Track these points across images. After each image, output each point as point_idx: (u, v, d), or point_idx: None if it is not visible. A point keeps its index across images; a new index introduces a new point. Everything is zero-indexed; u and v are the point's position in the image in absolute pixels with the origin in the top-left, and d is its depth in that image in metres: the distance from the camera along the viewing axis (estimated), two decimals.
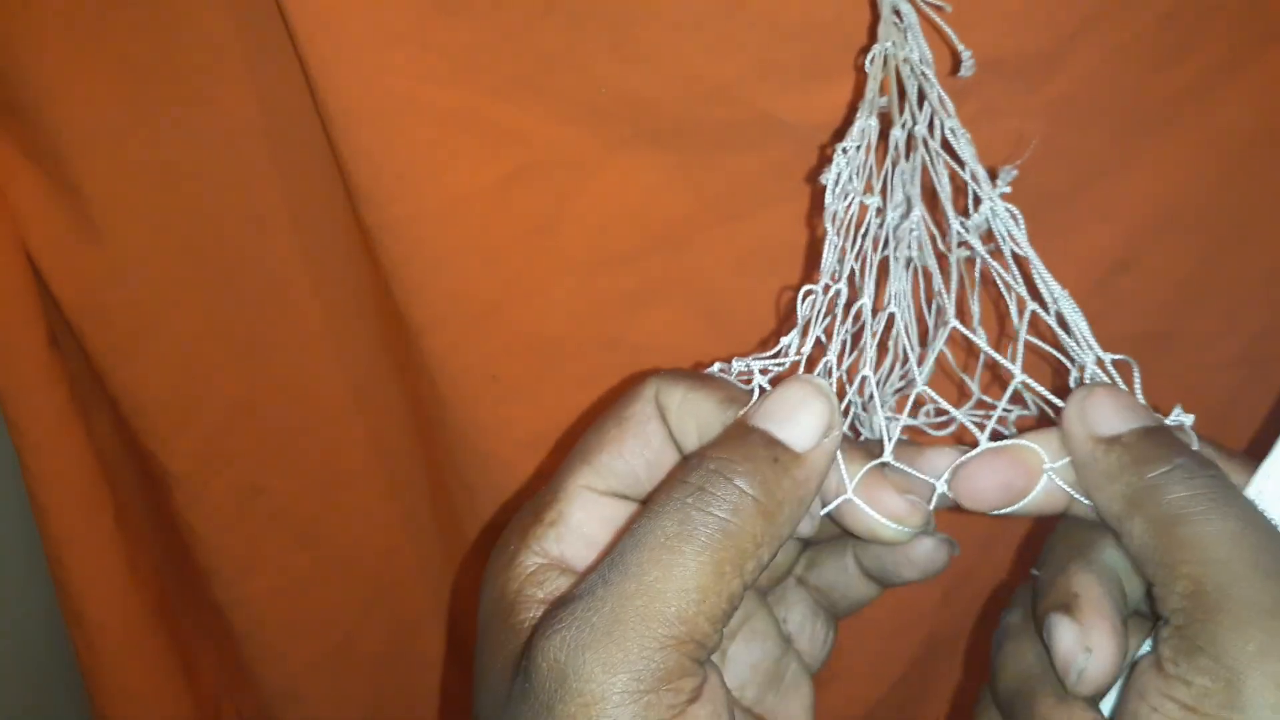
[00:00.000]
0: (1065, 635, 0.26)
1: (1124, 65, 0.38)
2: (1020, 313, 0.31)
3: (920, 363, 0.32)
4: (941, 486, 0.29)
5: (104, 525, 0.48)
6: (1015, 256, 0.31)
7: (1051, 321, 0.31)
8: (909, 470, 0.29)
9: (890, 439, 0.29)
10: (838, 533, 0.31)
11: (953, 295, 0.32)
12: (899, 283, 0.32)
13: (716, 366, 0.32)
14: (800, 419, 0.27)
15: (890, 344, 0.34)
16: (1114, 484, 0.27)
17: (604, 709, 0.23)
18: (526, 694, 0.24)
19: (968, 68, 0.34)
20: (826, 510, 0.29)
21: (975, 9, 0.36)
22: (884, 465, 0.29)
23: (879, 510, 0.28)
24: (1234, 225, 0.42)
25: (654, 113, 0.39)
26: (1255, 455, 0.28)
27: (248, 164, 0.42)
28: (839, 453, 0.28)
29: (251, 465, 0.49)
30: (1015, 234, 0.31)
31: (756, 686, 0.32)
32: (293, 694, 0.55)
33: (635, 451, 0.30)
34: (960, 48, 0.33)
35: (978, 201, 0.31)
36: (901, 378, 0.35)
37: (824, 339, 0.31)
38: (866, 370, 0.31)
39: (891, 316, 0.32)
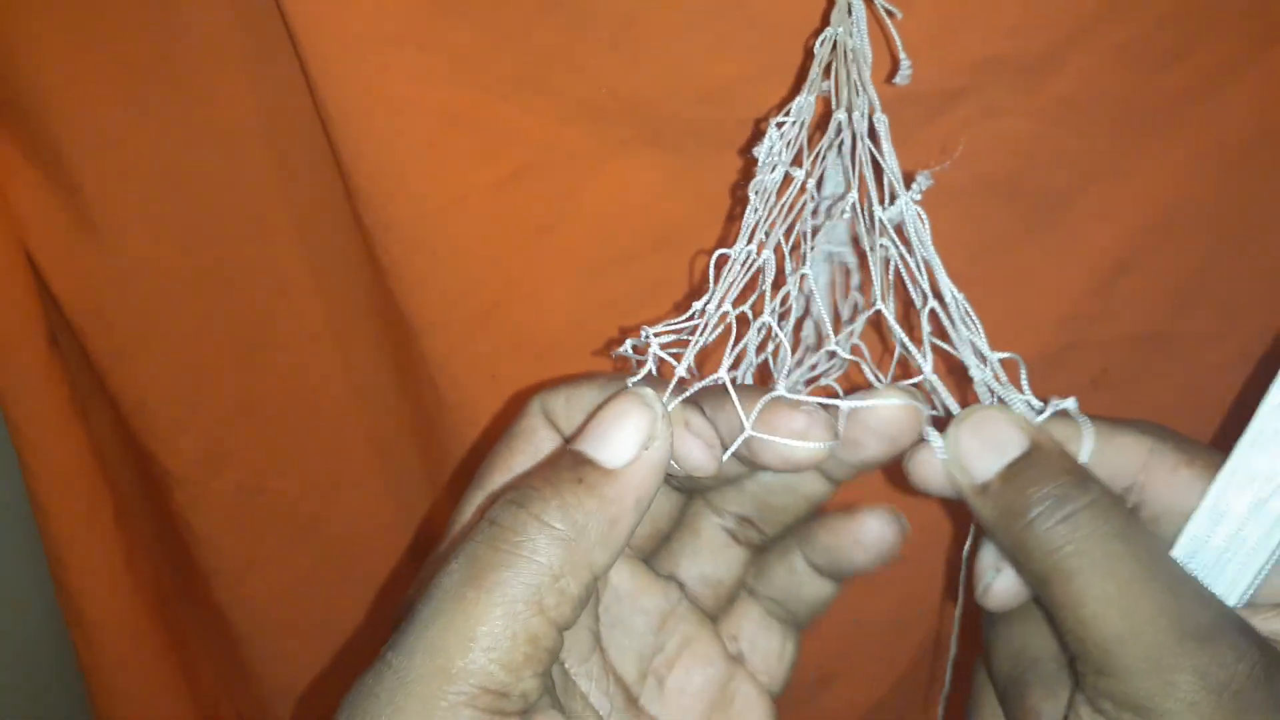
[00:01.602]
0: (985, 553, 0.28)
1: (1124, 65, 0.38)
2: (923, 305, 0.30)
3: (837, 339, 0.32)
4: (845, 405, 0.28)
5: (104, 525, 0.48)
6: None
7: (955, 321, 0.30)
8: (805, 399, 0.28)
9: (785, 376, 0.29)
10: (744, 476, 0.30)
11: (890, 281, 0.32)
12: (819, 259, 0.32)
13: (629, 343, 0.32)
14: (613, 434, 0.26)
15: (805, 323, 0.34)
16: (996, 536, 0.27)
17: None
18: None
19: (904, 76, 0.34)
20: (729, 452, 0.28)
21: (975, 9, 0.36)
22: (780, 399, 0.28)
23: (781, 434, 0.27)
24: (1234, 226, 0.42)
25: (654, 113, 0.39)
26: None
27: (248, 164, 0.42)
28: (733, 393, 0.27)
29: (251, 465, 0.49)
30: (923, 236, 0.31)
31: (700, 716, 0.31)
32: (293, 694, 0.55)
33: (523, 465, 0.29)
34: (901, 55, 0.34)
35: (894, 198, 0.31)
36: (811, 367, 0.35)
37: (749, 311, 0.31)
38: (768, 317, 0.30)
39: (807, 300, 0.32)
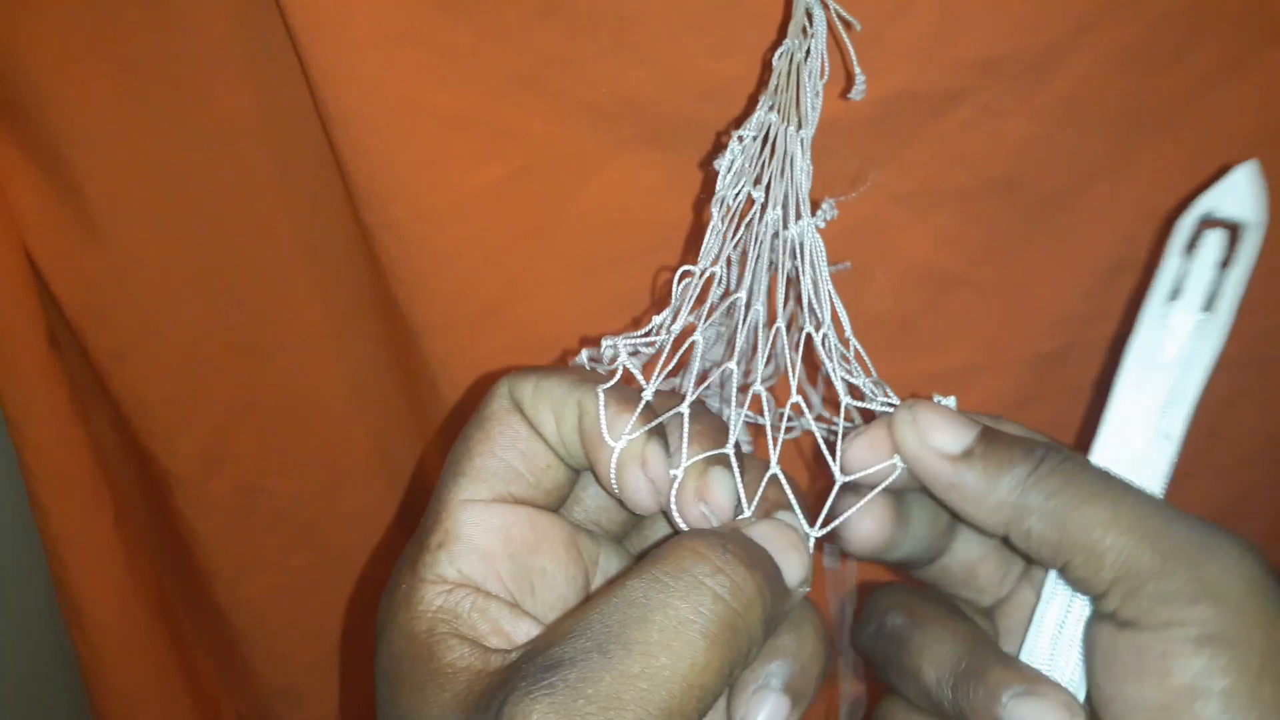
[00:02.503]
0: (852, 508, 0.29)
1: (1124, 65, 0.38)
2: (816, 330, 0.31)
3: (766, 362, 0.32)
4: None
5: (104, 525, 0.48)
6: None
7: (832, 348, 0.31)
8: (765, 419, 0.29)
9: (735, 426, 0.29)
10: None
11: (807, 298, 0.32)
12: (762, 278, 0.32)
13: (585, 355, 0.32)
14: (793, 558, 0.27)
15: (751, 338, 0.34)
16: (991, 495, 0.27)
17: None
18: None
19: (859, 91, 0.34)
20: (673, 496, 0.28)
21: (976, 9, 0.36)
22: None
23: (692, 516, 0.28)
24: None
25: (654, 113, 0.39)
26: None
27: (248, 164, 0.42)
28: (685, 431, 0.28)
29: (251, 465, 0.49)
30: (819, 262, 0.31)
31: None
32: (293, 694, 0.55)
33: (506, 446, 0.29)
34: (856, 70, 0.34)
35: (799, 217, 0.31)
36: (746, 373, 0.35)
37: (699, 325, 0.31)
38: (731, 364, 0.31)
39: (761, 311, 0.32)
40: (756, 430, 0.34)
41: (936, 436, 0.28)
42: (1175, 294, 0.29)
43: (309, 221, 0.44)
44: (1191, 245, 0.29)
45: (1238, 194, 0.28)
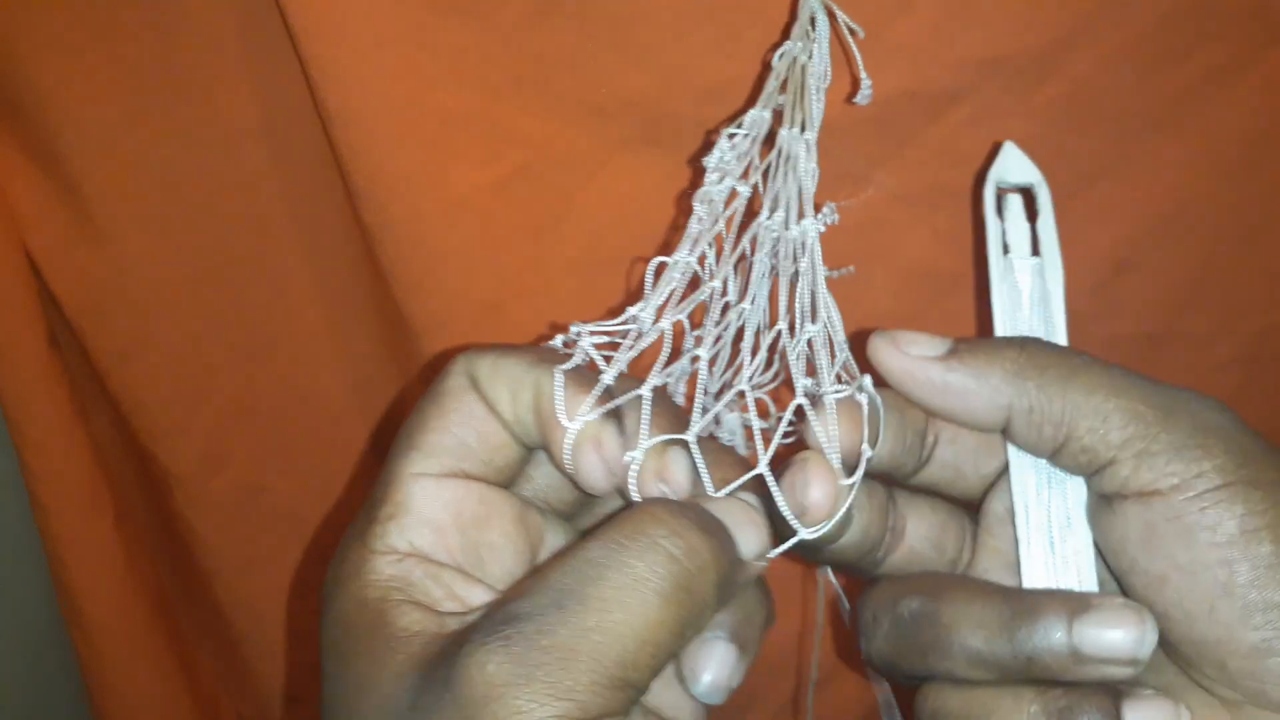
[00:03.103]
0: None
1: (1124, 65, 0.38)
2: (793, 332, 0.31)
3: (766, 366, 0.32)
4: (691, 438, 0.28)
5: (104, 525, 0.48)
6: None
7: (820, 350, 0.31)
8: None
9: (697, 423, 0.29)
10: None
11: (809, 300, 0.32)
12: (759, 279, 0.32)
13: (559, 340, 0.32)
14: (750, 532, 0.27)
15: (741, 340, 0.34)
16: (986, 385, 0.28)
17: None
18: (446, 704, 0.23)
19: (865, 96, 0.34)
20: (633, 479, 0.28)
21: (976, 9, 0.36)
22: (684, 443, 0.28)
23: (588, 462, 0.28)
24: (1234, 226, 0.42)
25: (654, 113, 0.39)
26: None
27: (248, 164, 0.42)
28: (646, 415, 0.28)
29: (251, 465, 0.49)
30: (817, 265, 0.31)
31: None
32: (293, 694, 0.55)
33: (461, 423, 0.29)
34: (862, 75, 0.34)
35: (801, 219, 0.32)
36: (753, 381, 0.35)
37: (686, 321, 0.31)
38: (701, 350, 0.31)
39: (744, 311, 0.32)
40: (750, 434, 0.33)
41: (917, 347, 0.29)
42: (1006, 249, 0.32)
43: (309, 221, 0.44)
44: (1000, 209, 0.32)
45: (1014, 164, 0.33)
